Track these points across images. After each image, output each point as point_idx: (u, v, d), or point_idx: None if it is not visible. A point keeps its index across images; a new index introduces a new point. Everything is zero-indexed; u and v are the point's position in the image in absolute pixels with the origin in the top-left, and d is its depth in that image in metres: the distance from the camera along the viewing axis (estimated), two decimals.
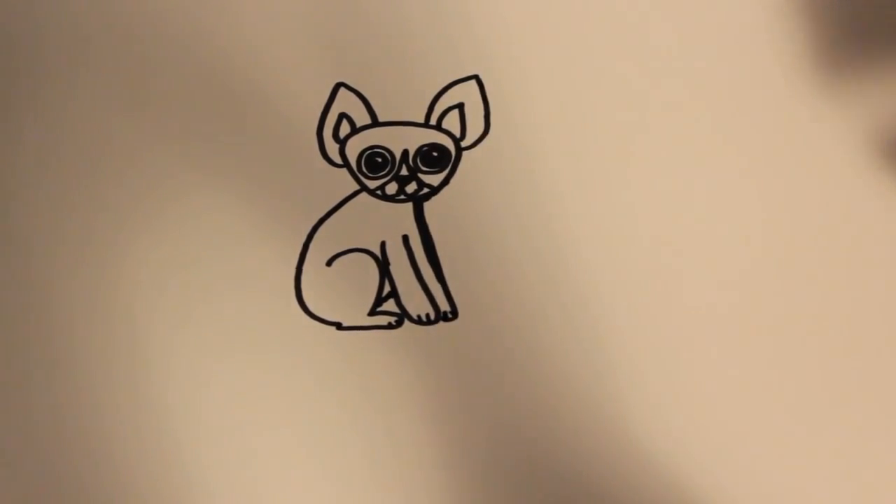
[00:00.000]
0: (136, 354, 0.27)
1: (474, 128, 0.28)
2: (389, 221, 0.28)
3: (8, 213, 0.27)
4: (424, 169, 0.28)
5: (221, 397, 0.27)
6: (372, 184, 0.28)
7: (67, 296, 0.27)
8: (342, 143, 0.28)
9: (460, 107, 0.28)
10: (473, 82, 0.28)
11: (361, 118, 0.28)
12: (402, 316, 0.27)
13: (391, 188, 0.28)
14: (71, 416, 0.27)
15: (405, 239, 0.27)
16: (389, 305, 0.27)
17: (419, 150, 0.28)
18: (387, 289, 0.27)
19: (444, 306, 0.27)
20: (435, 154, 0.28)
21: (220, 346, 0.27)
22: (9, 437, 0.27)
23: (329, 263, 0.27)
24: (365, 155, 0.28)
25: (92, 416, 0.27)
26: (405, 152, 0.28)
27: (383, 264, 0.27)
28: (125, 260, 0.27)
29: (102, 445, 0.27)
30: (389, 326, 0.27)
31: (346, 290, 0.27)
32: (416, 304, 0.27)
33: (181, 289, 0.27)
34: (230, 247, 0.27)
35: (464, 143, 0.28)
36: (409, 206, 0.28)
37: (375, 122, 0.28)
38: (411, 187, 0.28)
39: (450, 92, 0.28)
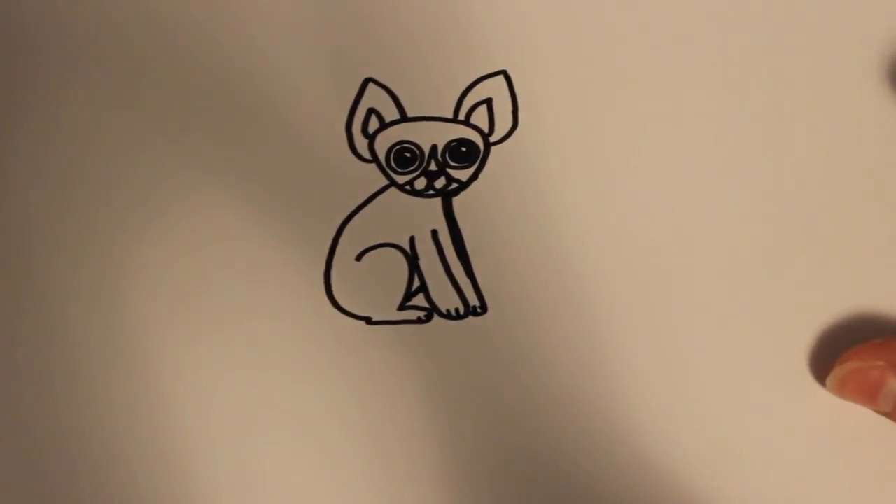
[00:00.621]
0: (158, 352, 0.27)
1: (503, 123, 0.28)
2: (418, 216, 0.28)
3: (7, 214, 0.27)
4: (453, 164, 0.28)
5: (250, 393, 0.27)
6: (401, 179, 0.28)
7: (66, 295, 0.27)
8: (371, 138, 0.28)
9: (488, 102, 0.28)
10: (502, 77, 0.28)
11: (390, 113, 0.28)
12: (432, 310, 0.27)
13: (420, 183, 0.28)
14: (74, 417, 0.27)
15: (434, 234, 0.27)
16: (419, 300, 0.27)
17: (448, 146, 0.28)
18: (416, 283, 0.27)
19: (474, 301, 0.27)
20: (463, 149, 0.28)
21: (250, 341, 0.27)
22: (9, 436, 0.27)
23: (359, 258, 0.27)
24: (394, 150, 0.28)
25: (102, 418, 0.27)
26: (434, 147, 0.28)
27: (412, 259, 0.27)
28: (156, 257, 0.27)
29: (114, 447, 0.27)
30: (419, 321, 0.27)
31: (375, 284, 0.27)
32: (446, 298, 0.27)
33: (211, 284, 0.27)
34: (260, 242, 0.27)
35: (492, 139, 0.28)
36: (438, 201, 0.28)
37: (404, 118, 0.28)
38: (440, 182, 0.28)
39: (478, 87, 0.28)
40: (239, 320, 0.27)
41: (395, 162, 0.28)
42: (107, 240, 0.27)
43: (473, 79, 0.28)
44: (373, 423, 0.27)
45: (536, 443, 0.27)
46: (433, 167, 0.28)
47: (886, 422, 0.26)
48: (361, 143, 0.28)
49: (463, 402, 0.27)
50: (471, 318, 0.27)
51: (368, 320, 0.27)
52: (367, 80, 0.28)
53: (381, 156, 0.28)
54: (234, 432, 0.27)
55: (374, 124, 0.28)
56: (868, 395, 0.25)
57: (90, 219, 0.27)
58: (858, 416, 0.26)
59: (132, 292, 0.27)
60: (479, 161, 0.28)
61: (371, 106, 0.28)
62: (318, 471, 0.27)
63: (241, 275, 0.27)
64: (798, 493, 0.26)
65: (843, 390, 0.26)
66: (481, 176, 0.28)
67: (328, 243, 0.27)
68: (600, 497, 0.27)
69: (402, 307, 0.27)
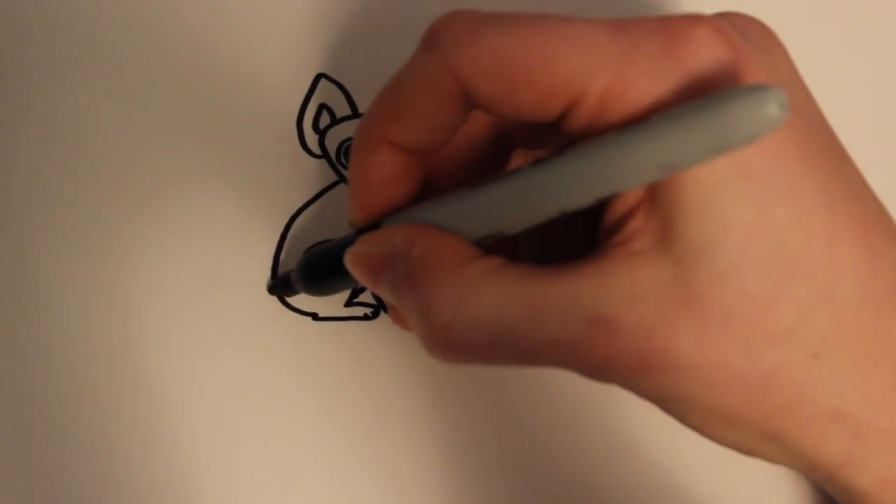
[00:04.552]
0: (110, 345, 0.27)
1: None
2: None
3: (9, 215, 0.27)
4: None
5: (197, 386, 0.27)
6: None
7: (64, 290, 0.27)
8: (322, 133, 0.28)
9: None
10: None
11: (342, 109, 0.28)
12: (378, 307, 0.27)
13: None
14: (59, 407, 0.27)
15: None
16: (365, 297, 0.27)
17: None
18: None
19: None
20: None
21: (196, 336, 0.27)
22: (8, 436, 0.27)
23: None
24: (344, 146, 0.28)
25: (71, 405, 0.27)
26: None
27: None
28: (94, 252, 0.27)
29: (82, 436, 0.27)
30: (365, 318, 0.27)
31: None
32: None
33: (154, 277, 0.27)
34: (206, 236, 0.27)
35: None
36: None
37: (356, 114, 0.28)
38: None
39: None
40: (184, 316, 0.27)
41: (345, 158, 0.28)
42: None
43: None
44: (315, 418, 0.26)
45: (482, 438, 0.27)
46: None
47: None
48: (312, 138, 0.28)
49: (408, 398, 0.27)
50: None
51: (314, 316, 0.27)
52: (320, 76, 0.28)
53: (332, 152, 0.28)
54: (187, 424, 0.26)
55: (325, 120, 0.28)
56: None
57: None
58: None
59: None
60: None
61: (323, 101, 0.28)
62: (262, 463, 0.26)
63: (186, 269, 0.27)
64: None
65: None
66: None
67: (276, 238, 0.27)
68: (553, 489, 0.26)
69: (348, 303, 0.27)
